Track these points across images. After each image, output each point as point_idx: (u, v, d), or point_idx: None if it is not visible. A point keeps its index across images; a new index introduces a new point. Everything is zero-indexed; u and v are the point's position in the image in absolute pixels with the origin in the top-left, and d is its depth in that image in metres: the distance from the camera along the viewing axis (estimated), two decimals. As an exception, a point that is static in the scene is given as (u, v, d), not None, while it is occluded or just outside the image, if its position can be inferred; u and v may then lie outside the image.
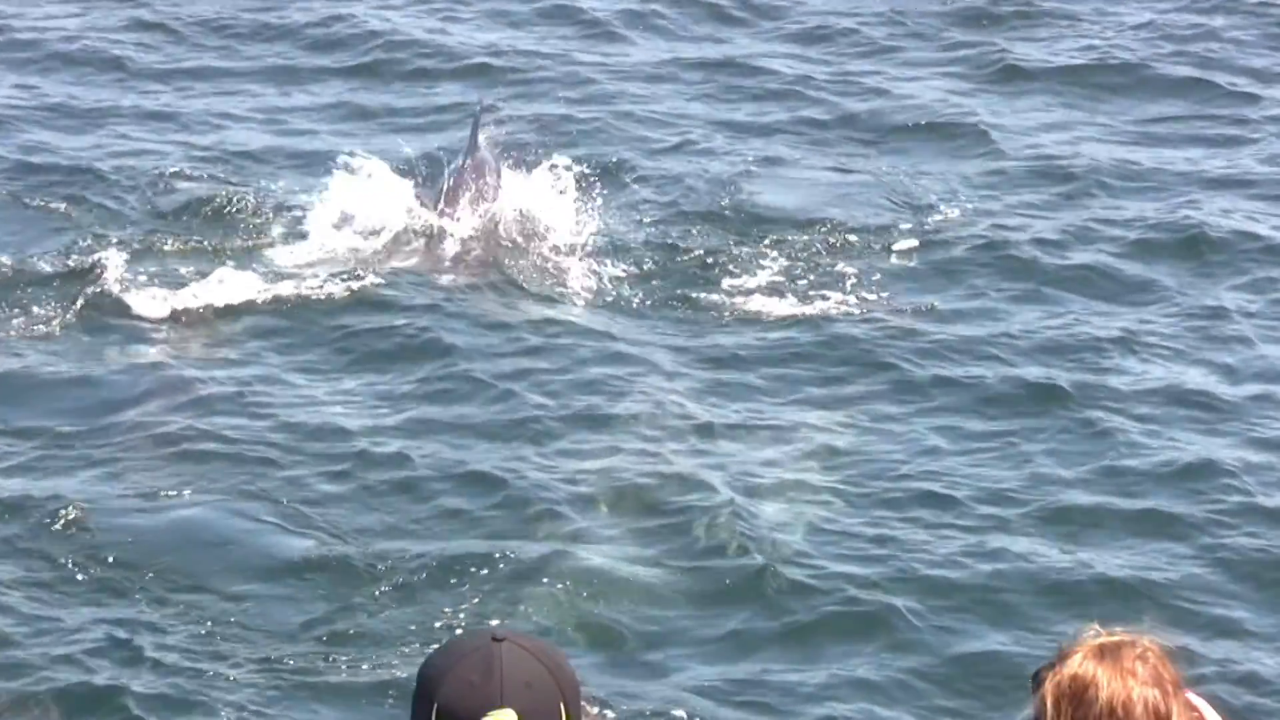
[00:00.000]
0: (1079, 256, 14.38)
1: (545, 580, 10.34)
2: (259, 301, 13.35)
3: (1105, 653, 4.20)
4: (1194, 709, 4.24)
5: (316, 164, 15.21)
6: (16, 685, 9.30)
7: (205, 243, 14.13)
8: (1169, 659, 4.23)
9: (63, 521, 10.69)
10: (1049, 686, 4.21)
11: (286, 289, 13.49)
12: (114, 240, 13.99)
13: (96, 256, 13.67)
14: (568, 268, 13.99)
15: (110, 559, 10.42)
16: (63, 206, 14.65)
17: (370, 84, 17.30)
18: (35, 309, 13.14)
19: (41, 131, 16.07)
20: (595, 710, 4.11)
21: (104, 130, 16.17)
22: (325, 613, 10.10)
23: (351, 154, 14.94)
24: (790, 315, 13.48)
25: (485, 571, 10.30)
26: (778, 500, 11.31)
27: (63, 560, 10.40)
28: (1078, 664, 4.20)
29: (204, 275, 13.54)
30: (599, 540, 10.85)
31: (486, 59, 17.70)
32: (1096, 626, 4.27)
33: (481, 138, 14.50)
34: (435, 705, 3.85)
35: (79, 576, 10.27)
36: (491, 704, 3.82)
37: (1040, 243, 14.55)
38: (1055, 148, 16.30)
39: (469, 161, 14.28)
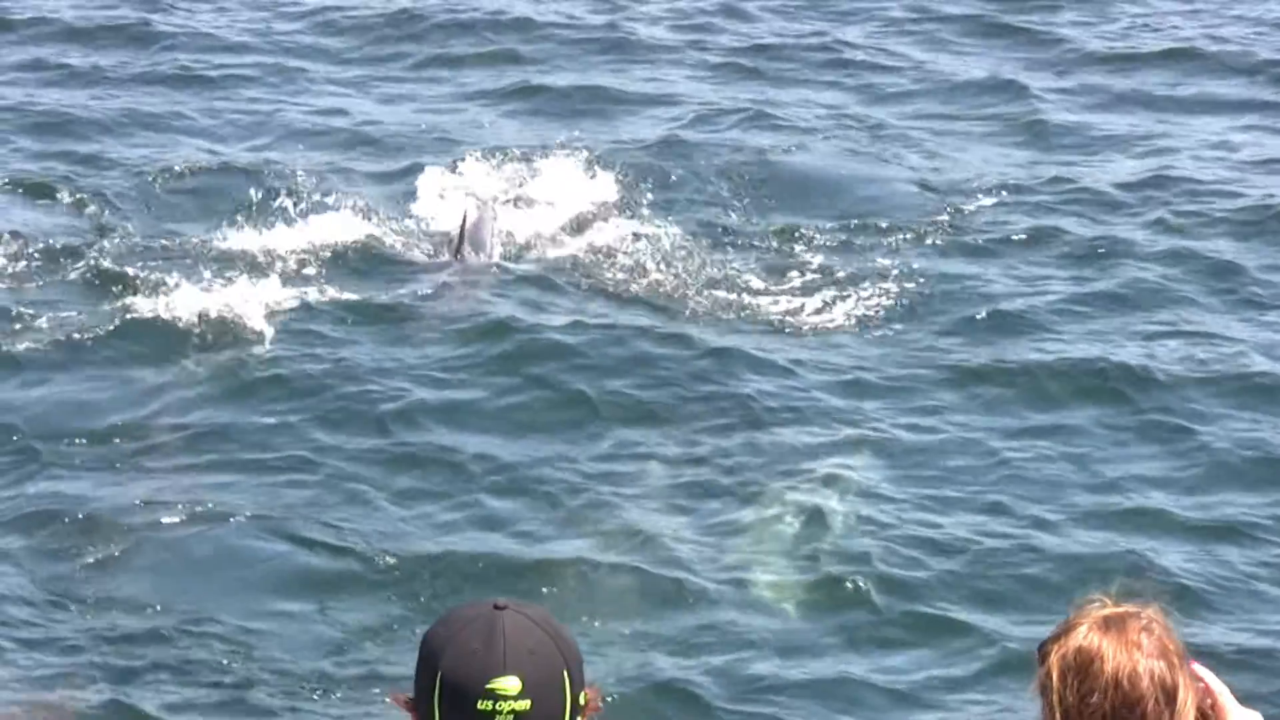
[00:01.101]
0: (1134, 241, 14.38)
1: (586, 594, 10.39)
2: (286, 308, 13.33)
3: (1110, 624, 4.22)
4: (1199, 680, 4.27)
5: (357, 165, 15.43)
6: (35, 698, 9.32)
7: (235, 247, 14.13)
8: (1173, 630, 4.26)
9: (77, 531, 10.71)
10: (1054, 659, 4.22)
11: (312, 295, 13.51)
12: (126, 241, 14.04)
13: (107, 254, 13.74)
14: (605, 263, 13.99)
15: (129, 573, 10.42)
16: (94, 205, 14.75)
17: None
18: (53, 316, 13.09)
19: (99, 134, 16.25)
20: (597, 684, 4.12)
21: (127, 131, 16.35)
22: (350, 629, 10.12)
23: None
24: (836, 304, 13.51)
25: (523, 585, 10.31)
26: (829, 495, 11.34)
27: (77, 573, 10.39)
28: (1083, 636, 4.21)
29: (229, 281, 13.51)
30: (647, 546, 10.88)
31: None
32: (1102, 598, 4.26)
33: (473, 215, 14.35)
34: (439, 674, 3.89)
35: (91, 591, 10.26)
36: (495, 671, 3.86)
37: (1094, 226, 14.54)
38: (1112, 130, 16.23)
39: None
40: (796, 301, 13.52)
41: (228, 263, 13.80)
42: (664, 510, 11.22)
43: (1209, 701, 4.28)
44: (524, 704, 3.85)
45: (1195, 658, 4.27)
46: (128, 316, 12.97)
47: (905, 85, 17.33)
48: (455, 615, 3.97)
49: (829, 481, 11.40)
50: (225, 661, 9.78)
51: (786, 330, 13.21)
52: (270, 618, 10.15)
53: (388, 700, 4.18)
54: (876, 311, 13.37)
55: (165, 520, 10.89)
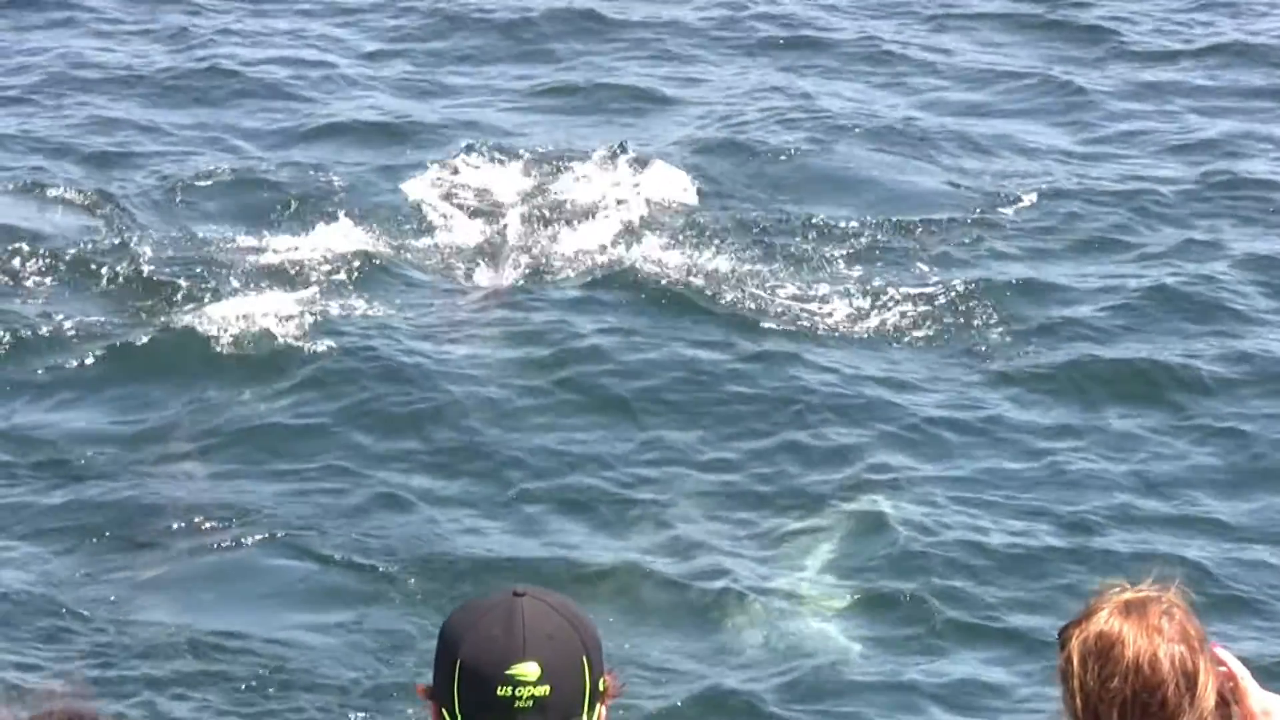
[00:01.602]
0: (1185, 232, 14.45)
1: (630, 602, 10.46)
2: (321, 314, 13.33)
3: (1131, 609, 4.28)
4: (1221, 663, 4.32)
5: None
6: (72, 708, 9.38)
7: (270, 251, 14.13)
8: (1194, 614, 4.31)
9: (110, 542, 10.77)
10: (1075, 644, 4.27)
11: (346, 300, 13.51)
12: (159, 247, 14.02)
13: (140, 260, 13.72)
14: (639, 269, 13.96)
15: (166, 582, 10.46)
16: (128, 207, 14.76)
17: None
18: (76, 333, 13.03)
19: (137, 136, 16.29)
20: (617, 670, 4.14)
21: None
22: (386, 637, 10.15)
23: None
24: (879, 306, 13.51)
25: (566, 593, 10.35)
26: (876, 499, 11.39)
27: (110, 580, 10.44)
28: (1104, 621, 4.27)
29: (262, 288, 13.54)
30: (691, 553, 10.93)
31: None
32: (1123, 583, 4.31)
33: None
34: (459, 661, 3.91)
35: (124, 599, 10.31)
36: (515, 657, 3.88)
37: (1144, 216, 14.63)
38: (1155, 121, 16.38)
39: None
40: (838, 303, 13.54)
41: (262, 267, 13.83)
42: (708, 516, 11.28)
43: (1230, 685, 4.33)
44: (544, 689, 3.88)
45: (1218, 641, 4.31)
46: (160, 325, 12.98)
47: (942, 82, 17.39)
48: (474, 603, 4.01)
49: (876, 486, 11.46)
50: (263, 671, 9.87)
51: (830, 332, 13.23)
52: (307, 628, 10.23)
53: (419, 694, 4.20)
54: (919, 313, 13.38)
55: (201, 529, 10.97)
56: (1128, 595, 4.32)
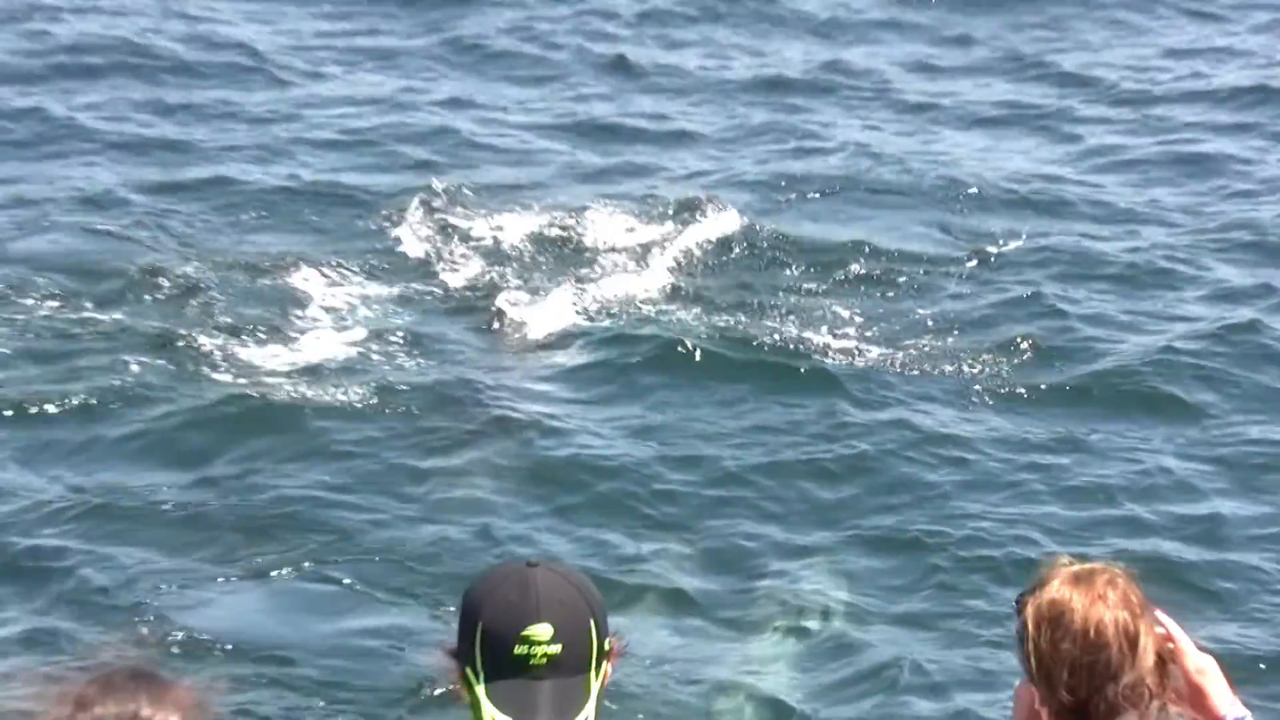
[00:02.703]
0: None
1: (674, 620, 10.57)
2: (370, 332, 13.49)
3: (1079, 579, 4.68)
4: (1160, 625, 4.73)
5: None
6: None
7: (315, 267, 14.31)
8: (1136, 583, 4.71)
9: (161, 569, 10.84)
10: (1029, 611, 4.67)
11: (394, 318, 13.70)
12: (200, 269, 14.13)
13: (182, 282, 13.83)
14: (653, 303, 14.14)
15: (203, 621, 10.39)
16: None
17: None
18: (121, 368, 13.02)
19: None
20: (622, 636, 4.58)
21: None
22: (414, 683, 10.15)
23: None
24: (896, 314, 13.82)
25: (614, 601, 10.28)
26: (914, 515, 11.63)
27: (149, 620, 10.37)
28: (1055, 590, 4.66)
29: (308, 304, 13.72)
30: (742, 574, 11.07)
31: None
32: (1067, 556, 4.75)
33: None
34: (480, 624, 4.33)
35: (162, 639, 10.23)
36: (529, 619, 4.29)
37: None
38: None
39: None
40: (871, 332, 13.70)
41: (309, 284, 14.00)
42: (745, 534, 11.42)
43: (1169, 646, 4.74)
44: (555, 648, 4.29)
45: (1158, 605, 4.74)
46: (203, 355, 13.06)
47: (941, 114, 17.72)
48: (493, 573, 4.44)
49: (912, 507, 11.65)
50: (313, 674, 9.99)
51: (864, 359, 13.37)
52: (359, 645, 10.29)
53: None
54: (955, 346, 13.55)
55: (250, 551, 11.07)
56: (1076, 567, 4.69)
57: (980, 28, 19.96)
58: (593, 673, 4.35)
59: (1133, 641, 4.61)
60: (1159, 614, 4.76)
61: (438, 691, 9.59)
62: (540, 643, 4.29)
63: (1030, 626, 4.65)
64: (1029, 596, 4.70)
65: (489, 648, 4.32)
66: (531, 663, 4.30)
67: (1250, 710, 4.80)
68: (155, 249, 14.53)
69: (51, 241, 14.59)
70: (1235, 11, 20.49)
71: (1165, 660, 4.70)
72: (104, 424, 12.22)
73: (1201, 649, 4.80)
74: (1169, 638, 4.75)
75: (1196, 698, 4.78)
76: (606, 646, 4.38)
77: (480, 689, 4.31)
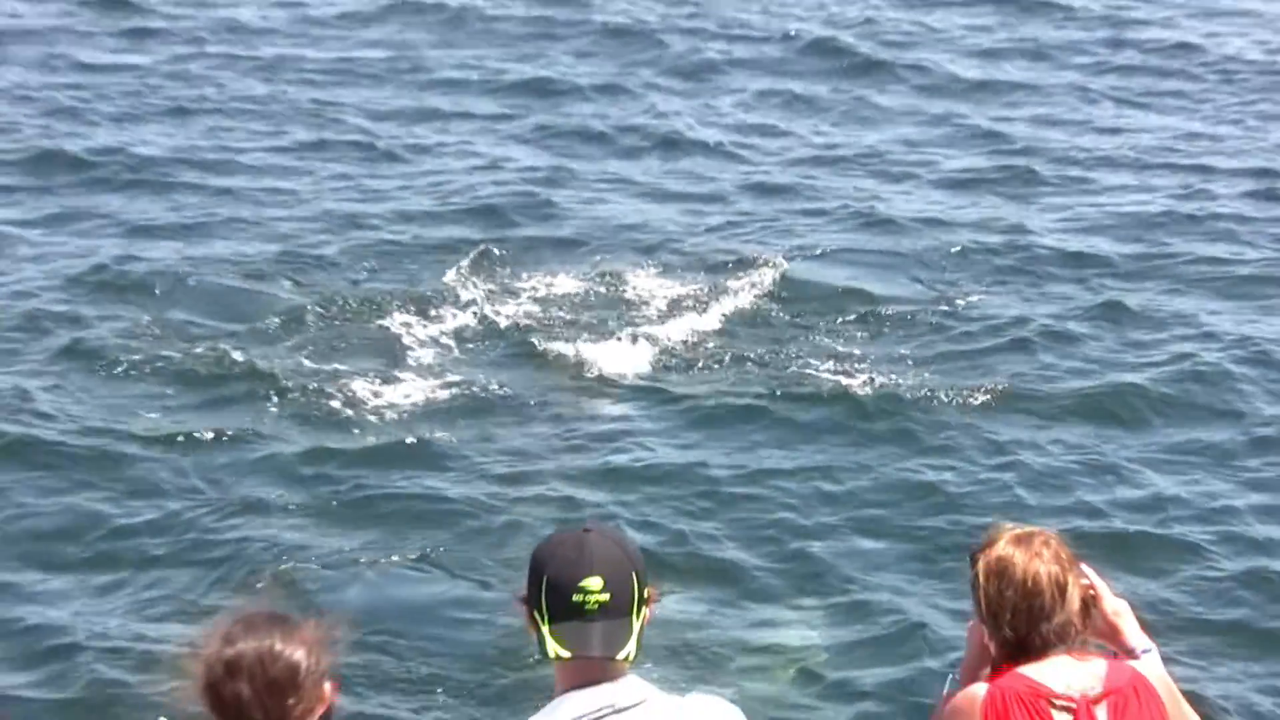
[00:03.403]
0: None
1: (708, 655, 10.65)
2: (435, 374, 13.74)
3: (1020, 540, 5.42)
4: (1084, 577, 5.54)
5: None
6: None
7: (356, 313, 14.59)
8: (1065, 543, 5.44)
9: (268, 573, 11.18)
10: (981, 565, 5.40)
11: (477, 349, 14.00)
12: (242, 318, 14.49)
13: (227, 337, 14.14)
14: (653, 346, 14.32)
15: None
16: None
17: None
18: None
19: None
20: (660, 589, 5.55)
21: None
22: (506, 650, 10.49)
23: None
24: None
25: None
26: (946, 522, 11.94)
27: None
28: (1001, 548, 5.39)
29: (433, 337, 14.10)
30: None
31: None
32: (1008, 523, 5.53)
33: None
34: (545, 577, 5.01)
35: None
36: (585, 572, 4.96)
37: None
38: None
39: None
40: (839, 374, 13.92)
41: (408, 329, 14.36)
42: (783, 525, 11.73)
43: (1091, 593, 5.49)
44: (605, 596, 4.95)
45: (1083, 559, 5.48)
46: (330, 394, 13.40)
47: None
48: (555, 537, 5.12)
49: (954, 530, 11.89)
50: (410, 669, 10.35)
51: (896, 388, 13.58)
52: (453, 616, 10.72)
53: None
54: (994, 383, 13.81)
55: (364, 543, 11.46)
56: (1017, 530, 5.39)
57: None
58: (635, 615, 4.99)
59: (1062, 589, 5.30)
60: (1084, 567, 5.45)
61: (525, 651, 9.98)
62: (593, 591, 4.94)
63: (981, 577, 5.35)
64: (980, 553, 5.39)
65: (552, 596, 4.99)
66: (586, 608, 4.94)
67: (1156, 646, 5.50)
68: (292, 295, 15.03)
69: (196, 285, 15.13)
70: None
71: (1088, 604, 5.38)
72: (243, 448, 12.76)
73: (1117, 595, 5.55)
74: (1091, 587, 5.45)
75: (1113, 634, 5.48)
76: (646, 595, 5.04)
77: (545, 628, 4.97)
